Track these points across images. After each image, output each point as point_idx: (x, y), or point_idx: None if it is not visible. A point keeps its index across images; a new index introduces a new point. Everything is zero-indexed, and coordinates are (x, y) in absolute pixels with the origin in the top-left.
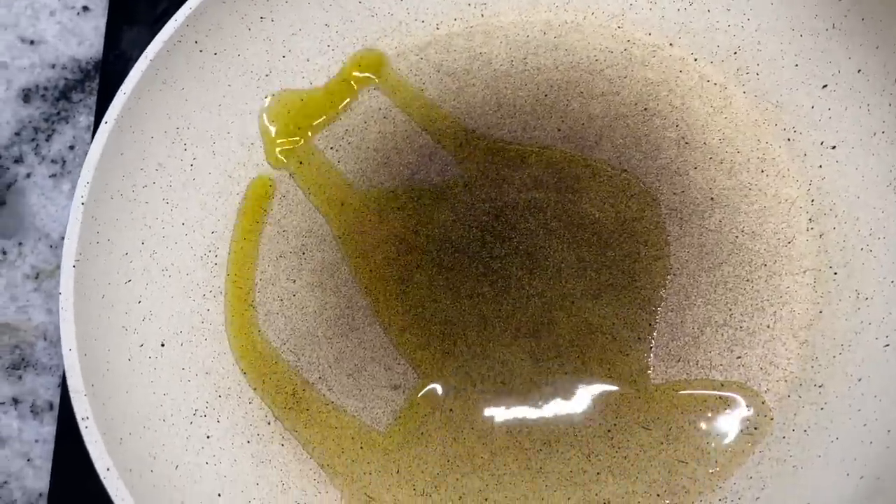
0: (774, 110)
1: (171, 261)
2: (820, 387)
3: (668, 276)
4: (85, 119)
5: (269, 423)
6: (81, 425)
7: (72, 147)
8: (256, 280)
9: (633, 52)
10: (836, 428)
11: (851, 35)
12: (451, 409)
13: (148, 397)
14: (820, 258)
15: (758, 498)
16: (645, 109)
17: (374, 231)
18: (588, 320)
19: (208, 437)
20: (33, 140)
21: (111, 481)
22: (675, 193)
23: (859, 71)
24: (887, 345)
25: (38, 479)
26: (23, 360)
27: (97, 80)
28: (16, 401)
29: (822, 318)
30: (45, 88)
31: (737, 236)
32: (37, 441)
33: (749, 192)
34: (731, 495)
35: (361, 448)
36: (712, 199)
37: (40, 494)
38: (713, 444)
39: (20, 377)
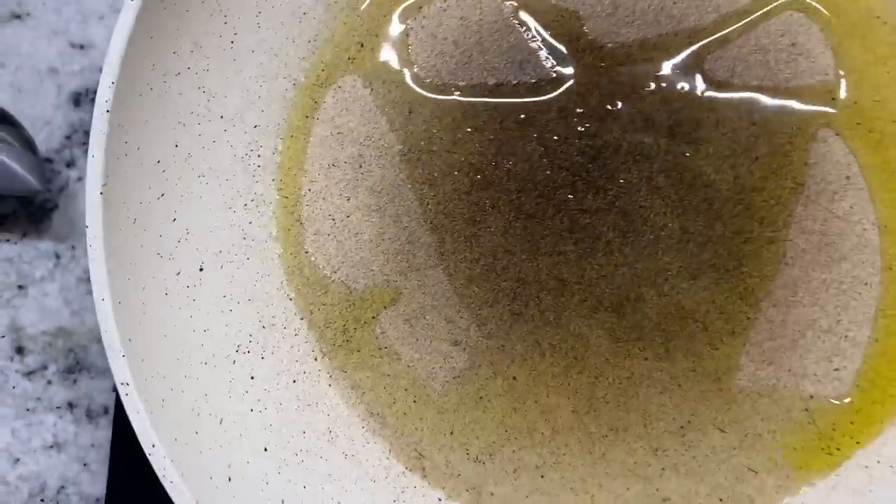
0: None
1: (208, 164)
2: None
3: (781, 266)
4: None
5: (315, 359)
6: (121, 391)
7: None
8: (305, 190)
9: None
10: None
11: None
12: (514, 378)
13: (187, 337)
14: None
15: None
16: (792, 45)
17: (445, 153)
18: (680, 303)
19: (252, 377)
20: (84, 144)
21: (158, 459)
22: (806, 163)
23: None
24: None
25: (95, 483)
26: (77, 363)
27: None
28: (71, 405)
29: None
30: (96, 92)
31: (865, 229)
32: (92, 446)
33: (893, 175)
34: None
35: (415, 402)
36: (848, 177)
37: (97, 500)
38: (788, 458)
39: (75, 381)
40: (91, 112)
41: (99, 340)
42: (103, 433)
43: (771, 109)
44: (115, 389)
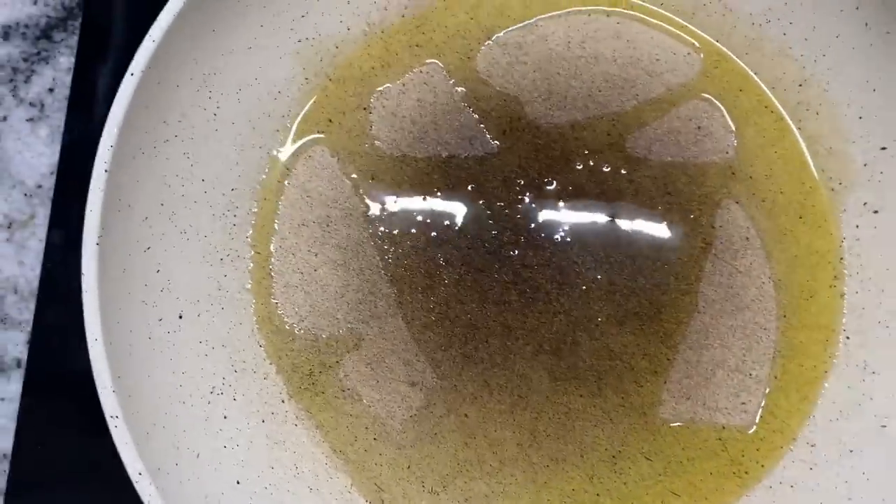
0: (826, 156)
1: (189, 222)
2: (812, 446)
3: (693, 314)
4: (66, 60)
5: (283, 402)
6: (111, 424)
7: (51, 90)
8: (276, 247)
9: (696, 59)
10: (822, 493)
11: None
12: (466, 415)
13: (167, 378)
14: (836, 318)
15: None
16: (699, 128)
17: (403, 214)
18: (609, 346)
19: (225, 416)
20: (11, 81)
21: (143, 486)
22: (713, 227)
23: None
24: (884, 426)
25: (2, 439)
26: None
27: (80, 19)
28: None
29: (827, 378)
30: (26, 26)
31: (763, 282)
32: (2, 399)
33: (784, 237)
34: None
35: (375, 439)
36: (748, 238)
37: (4, 455)
38: (705, 483)
39: None
40: (20, 47)
41: (15, 291)
42: (14, 387)
43: (682, 182)
44: (28, 342)
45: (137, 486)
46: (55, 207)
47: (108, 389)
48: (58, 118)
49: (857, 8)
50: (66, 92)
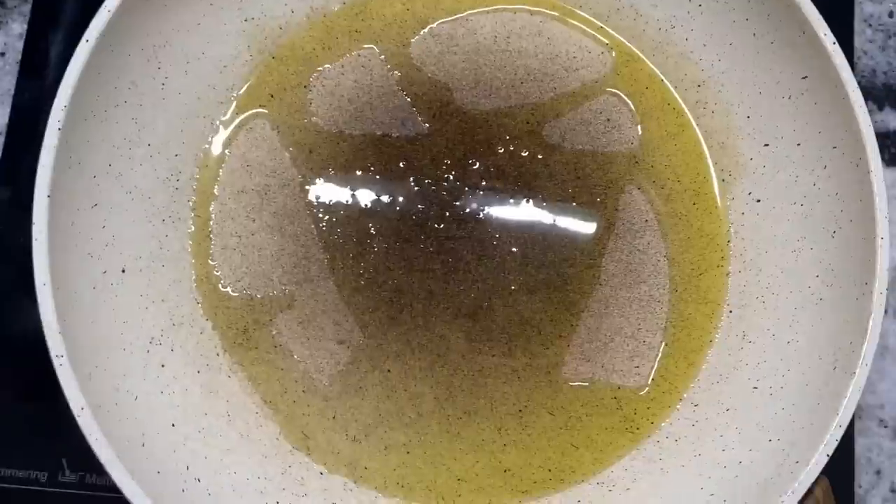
0: (719, 150)
1: (134, 183)
2: (696, 406)
3: (596, 285)
4: (18, 26)
5: (217, 355)
6: (56, 362)
7: (3, 54)
8: (216, 212)
9: (609, 58)
10: (701, 445)
11: (802, 110)
12: (389, 370)
13: (110, 326)
14: (721, 294)
15: (628, 489)
16: (608, 120)
17: (339, 187)
18: (521, 312)
19: (162, 365)
20: None
21: (86, 420)
22: (616, 209)
23: (798, 144)
24: (755, 387)
25: None
26: None
27: None
28: None
29: (711, 346)
30: None
31: (658, 260)
32: None
33: (679, 220)
34: (607, 482)
35: (304, 392)
36: (646, 221)
37: None
38: (601, 437)
39: None
40: None
41: None
42: None
43: (591, 168)
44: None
45: (79, 421)
46: (2, 166)
47: (53, 330)
48: (8, 81)
49: (747, 19)
50: (18, 56)
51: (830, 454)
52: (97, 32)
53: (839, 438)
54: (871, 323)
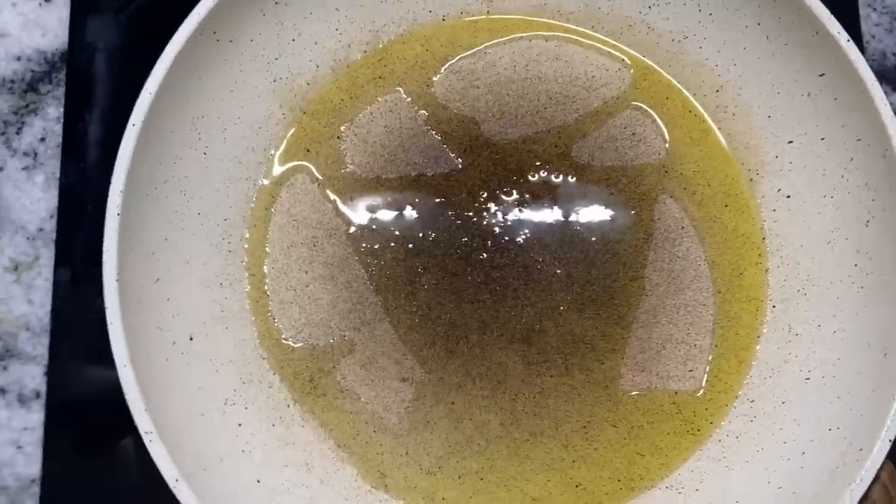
0: (744, 151)
1: (190, 252)
2: (752, 401)
3: (642, 297)
4: (54, 110)
5: (289, 406)
6: (146, 439)
7: (43, 139)
8: (269, 268)
9: (627, 74)
10: (763, 440)
11: (822, 106)
12: (453, 402)
13: (186, 394)
14: (763, 290)
15: (697, 489)
16: (633, 134)
17: (382, 230)
18: (573, 331)
19: (239, 424)
20: (3, 134)
21: (181, 489)
22: (652, 220)
23: (822, 139)
24: (808, 378)
25: (30, 465)
26: (7, 351)
27: (64, 71)
28: (3, 391)
29: (759, 342)
30: (13, 81)
31: (699, 265)
32: (25, 429)
33: (713, 224)
34: (676, 485)
35: (375, 432)
36: (682, 227)
37: (32, 480)
38: (665, 442)
39: (5, 368)
40: (9, 101)
41: (27, 328)
42: (36, 416)
43: (623, 182)
44: (46, 374)
45: (176, 491)
46: (58, 248)
47: (139, 409)
48: (52, 165)
49: (759, 24)
50: (58, 140)
51: (893, 439)
52: (142, 115)
53: None
54: None
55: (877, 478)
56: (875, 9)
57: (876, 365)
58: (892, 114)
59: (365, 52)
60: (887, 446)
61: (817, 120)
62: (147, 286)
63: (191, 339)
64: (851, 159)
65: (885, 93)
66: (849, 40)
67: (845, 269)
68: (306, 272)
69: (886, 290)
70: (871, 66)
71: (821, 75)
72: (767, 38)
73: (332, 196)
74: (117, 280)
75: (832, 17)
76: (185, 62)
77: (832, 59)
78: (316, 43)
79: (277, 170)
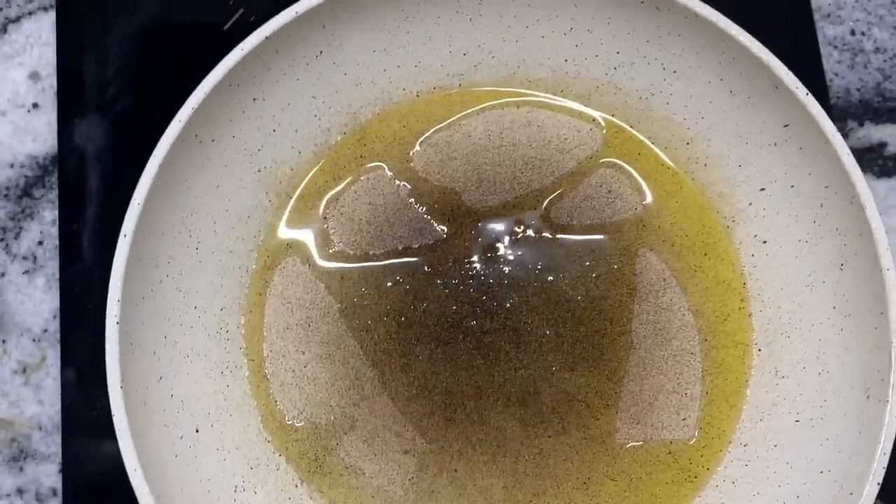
0: (718, 199)
1: (190, 346)
2: (745, 445)
3: (630, 350)
4: (49, 214)
5: (296, 486)
6: None
7: (41, 242)
8: (267, 352)
9: (598, 133)
10: (758, 484)
11: (789, 155)
12: (455, 470)
13: (198, 486)
14: (748, 335)
15: None
16: (609, 192)
17: (374, 305)
18: (566, 390)
19: None
20: (2, 240)
21: None
22: (634, 274)
23: (792, 186)
24: (798, 420)
25: None
26: (21, 451)
27: (56, 175)
28: (20, 491)
29: (748, 387)
30: (7, 188)
31: (683, 314)
32: None
33: (695, 273)
34: None
35: None
36: (664, 279)
37: None
38: (664, 491)
39: (21, 468)
40: (5, 208)
41: (40, 428)
42: None
43: (602, 240)
44: (60, 471)
45: None
46: (64, 348)
47: None
48: (52, 266)
49: (721, 79)
50: (55, 242)
51: (881, 482)
52: (132, 225)
53: (886, 466)
54: (893, 353)
55: None
56: (836, 47)
57: (860, 407)
58: (854, 162)
59: (344, 133)
60: (875, 490)
61: (786, 168)
62: (151, 387)
63: (197, 431)
64: (821, 205)
65: (851, 128)
66: (808, 94)
67: (825, 311)
68: (303, 353)
69: (865, 332)
70: (835, 104)
71: (785, 126)
72: (731, 91)
73: (323, 277)
74: (121, 387)
75: (790, 72)
76: (170, 168)
77: (794, 112)
78: (296, 131)
79: (268, 255)
